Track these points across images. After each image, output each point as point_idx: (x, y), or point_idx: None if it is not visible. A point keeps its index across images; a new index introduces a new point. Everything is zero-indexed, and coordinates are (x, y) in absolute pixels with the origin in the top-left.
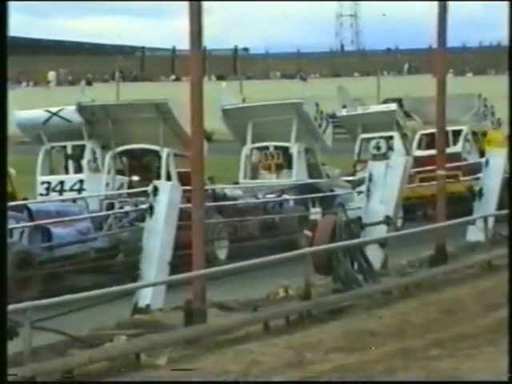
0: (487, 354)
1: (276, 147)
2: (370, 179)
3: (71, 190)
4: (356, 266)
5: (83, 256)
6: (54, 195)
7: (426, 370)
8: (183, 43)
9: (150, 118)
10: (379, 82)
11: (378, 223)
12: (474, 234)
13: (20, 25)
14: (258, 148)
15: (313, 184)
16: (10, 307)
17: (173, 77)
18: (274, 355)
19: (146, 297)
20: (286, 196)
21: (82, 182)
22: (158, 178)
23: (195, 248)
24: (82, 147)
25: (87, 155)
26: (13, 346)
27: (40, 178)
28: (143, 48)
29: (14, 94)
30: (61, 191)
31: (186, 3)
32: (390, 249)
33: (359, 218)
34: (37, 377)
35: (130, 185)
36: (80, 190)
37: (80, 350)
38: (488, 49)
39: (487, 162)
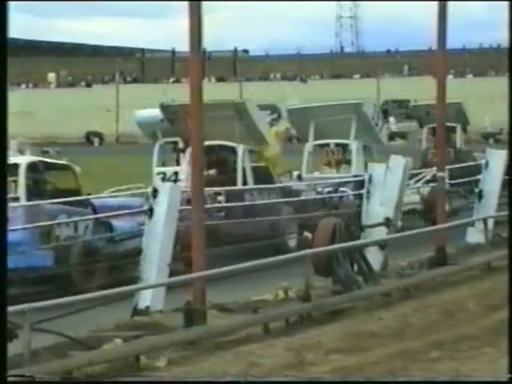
0: (487, 355)
1: (336, 144)
2: (370, 181)
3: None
4: (356, 267)
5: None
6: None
7: (426, 372)
8: (183, 45)
9: (228, 116)
10: (379, 84)
11: (378, 225)
12: (474, 235)
13: (20, 26)
14: (319, 145)
15: None
16: (10, 309)
17: (173, 78)
18: (274, 357)
19: (145, 298)
20: (343, 189)
21: None
22: (234, 171)
23: (195, 249)
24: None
25: None
26: (12, 348)
27: (156, 169)
28: (143, 50)
29: (12, 96)
30: (175, 181)
31: (186, 4)
32: (391, 250)
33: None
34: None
35: (207, 178)
36: None
37: (79, 352)
38: (488, 50)
39: (487, 164)
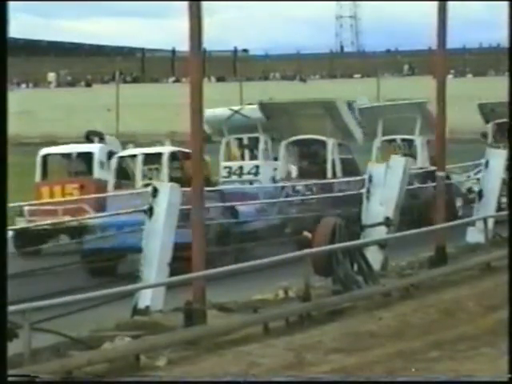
0: (486, 355)
1: (403, 140)
2: (370, 180)
3: (249, 173)
4: (356, 267)
5: (260, 231)
6: (233, 178)
7: (425, 372)
8: (183, 44)
9: (318, 113)
10: (379, 84)
11: (378, 224)
12: (474, 235)
13: (20, 25)
14: (387, 140)
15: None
16: (10, 308)
17: (173, 78)
18: (274, 357)
19: (145, 298)
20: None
21: (257, 167)
22: (324, 163)
23: (195, 249)
24: (256, 139)
25: (262, 145)
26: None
27: (223, 164)
28: (143, 49)
29: (12, 96)
30: (240, 174)
31: (186, 4)
32: (391, 250)
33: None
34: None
35: (300, 169)
36: (256, 174)
37: (79, 352)
38: (488, 50)
39: (487, 163)
